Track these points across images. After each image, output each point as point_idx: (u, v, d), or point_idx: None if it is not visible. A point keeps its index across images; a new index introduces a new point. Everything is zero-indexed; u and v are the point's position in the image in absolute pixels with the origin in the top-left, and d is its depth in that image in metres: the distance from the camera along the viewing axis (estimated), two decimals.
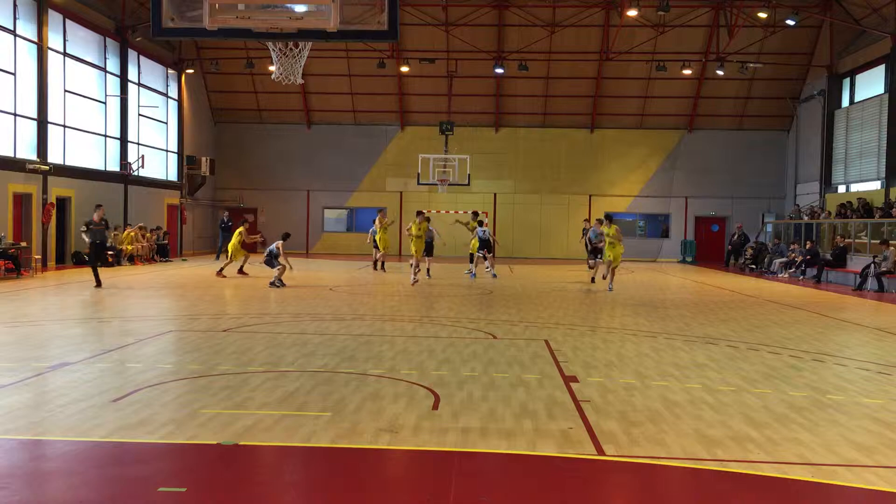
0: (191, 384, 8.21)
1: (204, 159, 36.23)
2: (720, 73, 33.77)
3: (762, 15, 31.41)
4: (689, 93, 36.96)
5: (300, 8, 7.22)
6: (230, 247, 22.71)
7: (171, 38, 29.01)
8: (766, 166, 37.80)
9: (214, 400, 7.54)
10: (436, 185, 34.14)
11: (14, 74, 23.85)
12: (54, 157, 25.66)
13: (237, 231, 22.74)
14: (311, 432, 6.46)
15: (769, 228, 35.08)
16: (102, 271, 20.02)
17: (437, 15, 34.58)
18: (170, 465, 5.85)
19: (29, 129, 24.65)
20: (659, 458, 6.01)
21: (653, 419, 7.07)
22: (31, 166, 24.03)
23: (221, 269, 22.50)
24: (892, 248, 22.44)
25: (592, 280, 22.59)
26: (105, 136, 29.42)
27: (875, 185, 29.94)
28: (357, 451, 6.10)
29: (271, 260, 19.63)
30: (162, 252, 30.16)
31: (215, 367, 9.06)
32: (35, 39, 24.80)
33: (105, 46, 29.34)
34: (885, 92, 29.32)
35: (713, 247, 37.73)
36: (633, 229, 38.68)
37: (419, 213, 23.04)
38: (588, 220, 22.57)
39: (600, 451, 6.11)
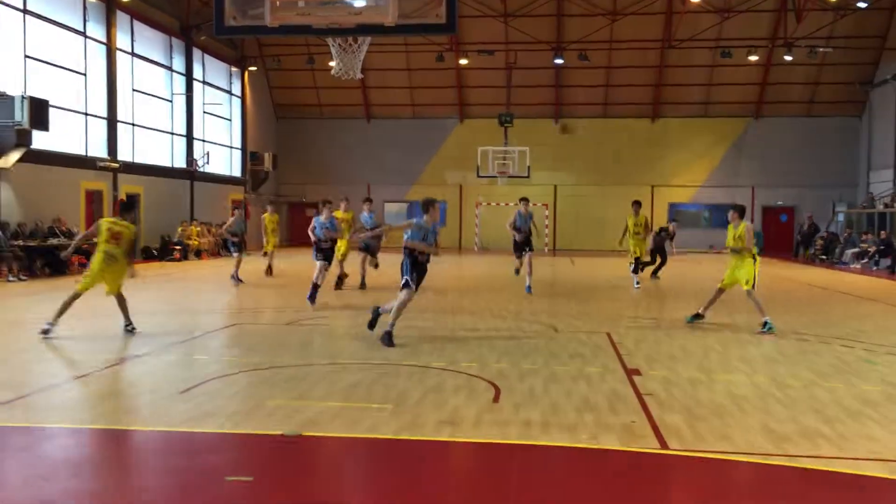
0: (255, 376, 8.35)
1: (267, 155, 36.84)
2: (788, 58, 32.81)
3: None
4: (756, 79, 36.02)
5: (359, 3, 7.28)
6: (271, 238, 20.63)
7: (233, 36, 29.56)
8: (837, 154, 36.63)
9: (278, 391, 7.66)
10: (495, 177, 34.04)
11: (85, 75, 24.60)
12: (123, 154, 26.40)
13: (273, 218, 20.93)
14: (374, 424, 6.51)
15: (840, 218, 34.01)
16: (169, 266, 20.65)
17: (496, 6, 34.39)
18: (236, 455, 5.96)
19: (99, 128, 25.41)
20: (725, 452, 5.88)
21: (718, 413, 6.92)
22: (101, 164, 24.78)
23: (268, 266, 20.59)
24: None
25: (517, 272, 18.10)
26: (172, 133, 30.16)
27: None
28: (419, 442, 6.12)
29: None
30: (226, 246, 30.76)
31: (278, 359, 9.20)
32: (104, 40, 25.53)
33: (171, 46, 30.05)
34: None
35: (782, 237, 36.72)
36: (698, 220, 37.96)
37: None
38: (525, 201, 18.21)
39: (664, 446, 6.01)
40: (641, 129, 37.70)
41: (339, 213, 16.88)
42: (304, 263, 22.95)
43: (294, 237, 38.35)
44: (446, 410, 6.93)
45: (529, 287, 16.59)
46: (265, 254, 20.86)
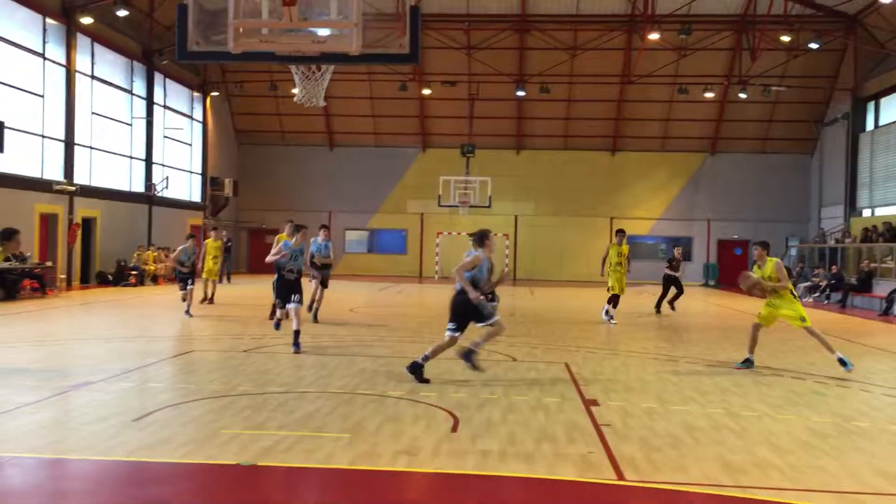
0: (211, 404, 8.23)
1: (227, 180, 36.61)
2: (743, 96, 33.71)
3: (785, 38, 31.37)
4: (712, 116, 36.87)
5: (323, 31, 7.31)
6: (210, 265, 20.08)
7: (196, 62, 29.50)
8: (790, 190, 37.55)
9: (234, 420, 7.55)
10: (457, 206, 34.22)
11: (42, 97, 24.28)
12: (81, 177, 26.04)
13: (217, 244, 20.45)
14: (330, 454, 6.45)
15: (793, 252, 34.75)
16: (125, 291, 20.10)
17: (459, 38, 34.83)
18: (189, 485, 5.85)
19: (56, 151, 25.06)
20: (680, 483, 5.94)
21: (674, 444, 6.99)
22: (57, 187, 24.39)
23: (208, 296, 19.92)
24: None
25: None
26: (131, 157, 29.83)
27: None
28: (375, 473, 6.08)
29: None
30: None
31: (236, 387, 9.08)
32: (63, 63, 25.26)
33: (132, 69, 29.83)
34: None
35: (736, 270, 37.19)
36: (654, 253, 38.49)
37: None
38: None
39: (620, 477, 6.04)
40: (601, 162, 38.27)
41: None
42: (263, 290, 22.76)
43: (254, 264, 38.02)
44: (404, 440, 6.89)
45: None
46: (205, 280, 19.88)
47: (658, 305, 20.32)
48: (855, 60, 33.02)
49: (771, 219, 37.33)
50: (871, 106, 33.03)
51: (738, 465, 6.37)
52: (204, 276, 19.84)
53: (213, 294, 20.04)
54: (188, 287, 17.02)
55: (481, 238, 9.94)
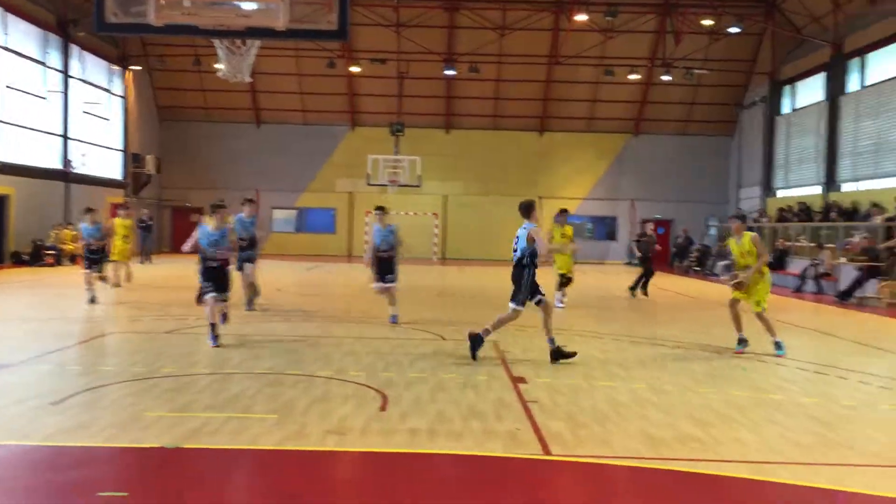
0: (133, 386, 8.04)
1: (149, 157, 35.60)
2: (666, 78, 34.38)
3: (707, 22, 32.06)
4: (636, 97, 37.51)
5: (248, 6, 7.15)
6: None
7: (115, 34, 28.45)
8: (710, 171, 38.58)
9: (158, 403, 7.40)
10: (386, 185, 34.06)
11: None
12: None
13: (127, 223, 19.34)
14: (258, 435, 6.39)
15: (712, 231, 35.78)
16: (42, 271, 18.92)
17: (388, 16, 34.50)
18: (111, 470, 5.72)
19: None
20: (605, 457, 6.08)
21: (599, 420, 7.15)
22: None
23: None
24: (826, 251, 23.07)
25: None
26: (46, 132, 28.69)
27: (814, 190, 30.77)
28: (304, 453, 6.05)
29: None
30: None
31: (159, 369, 8.89)
32: None
33: (46, 41, 28.63)
34: (825, 99, 30.17)
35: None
36: (581, 232, 39.10)
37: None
38: (381, 211, 13.55)
39: (547, 452, 6.16)
40: (529, 142, 38.59)
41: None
42: (185, 270, 22.28)
43: (177, 243, 37.13)
44: (333, 420, 6.87)
45: (395, 317, 13.22)
46: (116, 262, 18.47)
47: (642, 287, 19.26)
48: (773, 45, 34.04)
49: (692, 199, 38.30)
50: (787, 90, 34.13)
51: (660, 439, 6.56)
52: (113, 258, 17.95)
53: (128, 275, 18.84)
54: (91, 270, 15.26)
55: (528, 208, 10.10)
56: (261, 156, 38.29)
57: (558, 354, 9.90)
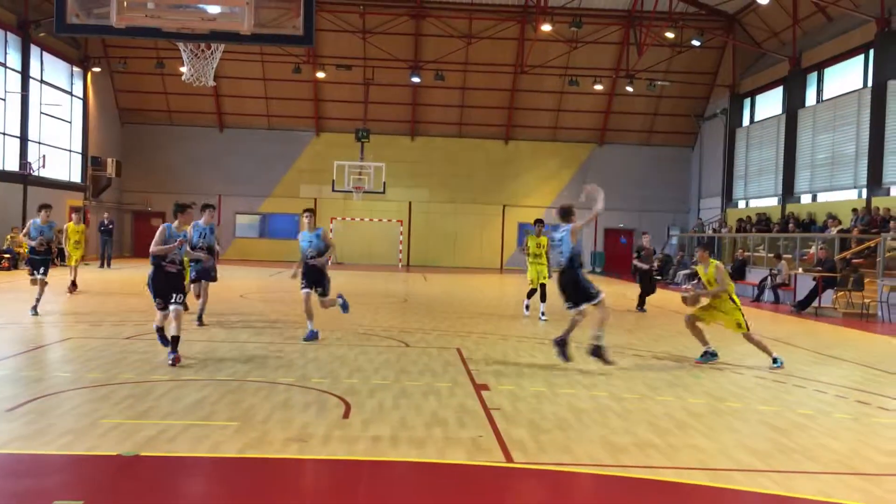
0: (91, 393, 7.91)
1: (110, 160, 35.09)
2: (629, 89, 34.80)
3: (670, 35, 32.54)
4: (600, 107, 37.90)
5: (213, 9, 7.10)
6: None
7: (76, 35, 28.06)
8: (672, 181, 39.10)
9: (116, 409, 7.29)
10: (351, 192, 33.97)
11: None
12: None
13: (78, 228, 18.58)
14: (218, 442, 6.32)
15: (674, 241, 36.23)
16: None
17: (354, 22, 34.49)
18: (67, 478, 5.62)
19: None
20: (565, 464, 6.13)
21: (561, 427, 7.20)
22: None
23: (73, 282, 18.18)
24: (783, 261, 23.49)
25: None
26: (4, 133, 28.16)
27: (772, 202, 31.35)
28: (265, 461, 6.00)
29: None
30: (61, 256, 29.02)
31: (117, 375, 8.76)
32: None
33: (6, 41, 28.12)
34: (783, 112, 30.77)
35: (621, 258, 38.68)
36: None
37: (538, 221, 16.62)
38: (310, 213, 12.31)
39: (509, 459, 6.18)
40: (495, 150, 38.77)
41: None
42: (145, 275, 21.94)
43: (138, 247, 36.64)
44: (295, 427, 6.83)
45: (313, 333, 11.97)
46: (69, 268, 18.09)
47: (641, 303, 18.84)
48: (733, 58, 34.65)
49: (654, 209, 38.77)
50: (747, 102, 34.76)
51: (620, 446, 6.62)
52: (67, 262, 17.18)
53: (74, 280, 18.00)
54: (38, 275, 13.93)
55: (568, 212, 10.38)
56: (224, 160, 37.97)
57: (598, 353, 9.95)
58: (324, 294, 12.03)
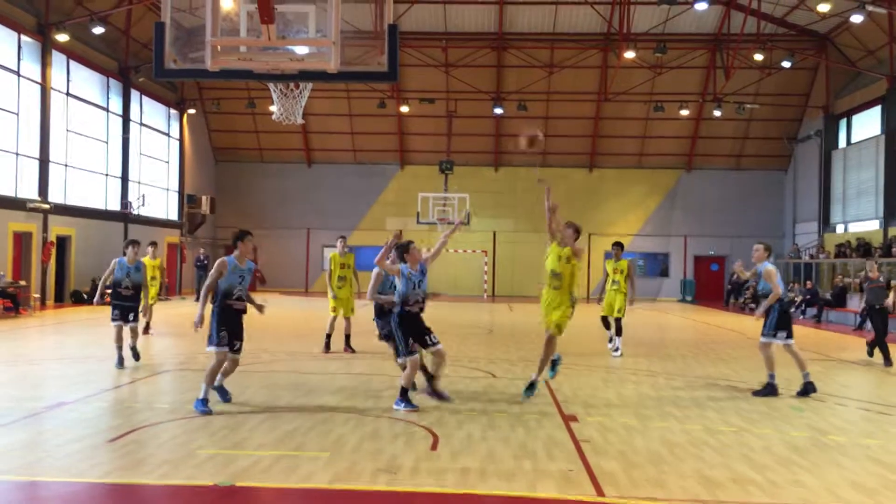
0: (187, 424, 8.14)
1: (204, 198, 36.39)
2: (717, 113, 34.07)
3: (758, 57, 31.78)
4: (687, 133, 37.22)
5: (301, 50, 7.31)
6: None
7: (173, 79, 29.38)
8: (765, 206, 37.92)
9: (211, 440, 7.47)
10: (436, 223, 34.22)
11: (17, 114, 24.05)
12: (55, 196, 25.77)
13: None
14: (309, 473, 6.40)
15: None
16: (100, 310, 16.29)
17: (437, 56, 34.99)
18: None
19: (31, 169, 24.80)
20: (659, 500, 5.94)
21: (653, 460, 7.00)
22: (31, 205, 24.12)
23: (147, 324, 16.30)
24: (892, 290, 22.35)
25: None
26: (107, 175, 29.60)
27: (873, 225, 30.01)
28: (355, 493, 6.03)
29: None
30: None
31: (212, 406, 8.98)
32: (38, 80, 25.06)
33: (108, 86, 29.66)
34: (882, 133, 29.55)
35: (713, 286, 37.67)
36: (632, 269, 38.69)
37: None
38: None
39: (600, 493, 6.04)
40: (579, 179, 38.47)
41: (335, 255, 14.95)
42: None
43: None
44: (383, 458, 6.85)
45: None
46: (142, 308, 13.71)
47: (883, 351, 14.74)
48: (827, 78, 33.54)
49: (746, 234, 37.58)
50: (843, 123, 33.53)
51: (716, 481, 6.39)
52: (142, 302, 12.97)
53: (148, 320, 16.26)
54: (127, 322, 11.98)
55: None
56: (312, 195, 38.86)
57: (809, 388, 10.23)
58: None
